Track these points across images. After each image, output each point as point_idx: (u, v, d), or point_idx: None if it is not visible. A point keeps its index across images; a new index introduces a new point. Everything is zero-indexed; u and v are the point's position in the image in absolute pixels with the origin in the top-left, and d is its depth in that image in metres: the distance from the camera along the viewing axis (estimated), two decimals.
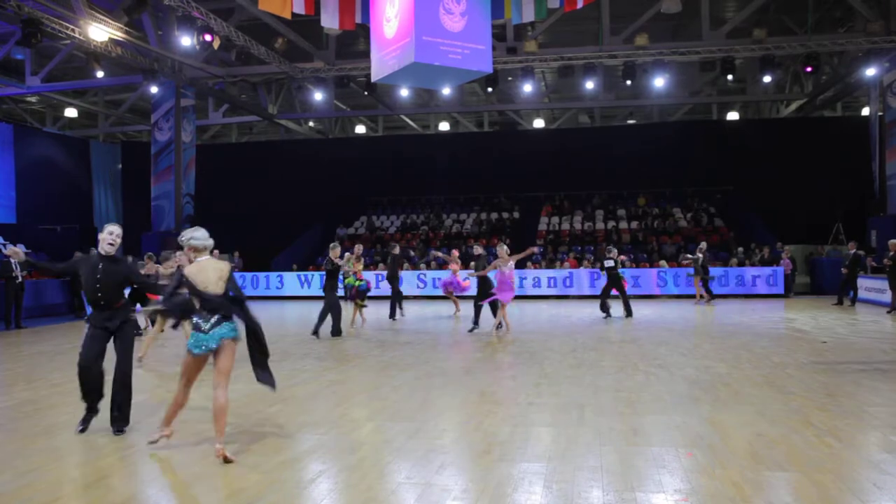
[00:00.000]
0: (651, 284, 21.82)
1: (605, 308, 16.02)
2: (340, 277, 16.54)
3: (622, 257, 17.97)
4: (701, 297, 19.52)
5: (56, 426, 6.37)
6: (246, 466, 5.11)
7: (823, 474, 4.76)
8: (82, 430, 6.03)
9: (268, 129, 33.23)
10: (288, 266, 25.79)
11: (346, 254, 16.91)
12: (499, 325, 13.27)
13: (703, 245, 19.88)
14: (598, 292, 17.05)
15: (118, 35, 18.83)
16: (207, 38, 17.43)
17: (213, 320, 5.38)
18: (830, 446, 5.44)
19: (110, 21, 18.61)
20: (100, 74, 20.99)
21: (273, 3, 12.01)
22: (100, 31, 18.22)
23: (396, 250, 16.96)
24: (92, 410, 6.11)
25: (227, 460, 5.13)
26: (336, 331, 13.03)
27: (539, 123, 32.75)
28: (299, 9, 12.08)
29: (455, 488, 4.62)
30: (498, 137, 32.54)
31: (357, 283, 14.33)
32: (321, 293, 21.00)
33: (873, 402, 7.02)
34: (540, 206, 29.21)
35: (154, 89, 22.83)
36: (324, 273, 13.68)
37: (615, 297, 16.19)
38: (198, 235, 5.67)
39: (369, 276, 19.22)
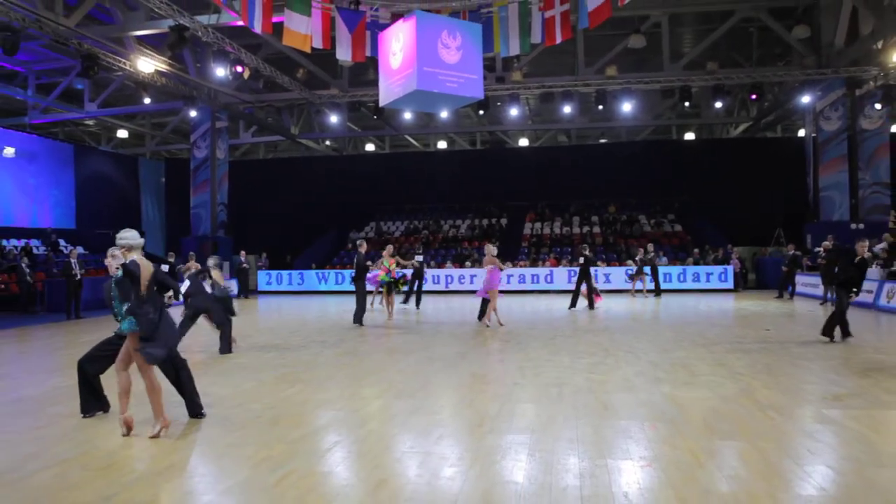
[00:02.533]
0: (620, 280, 21.78)
1: (575, 302, 15.94)
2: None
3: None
4: (643, 291, 19.54)
5: None
6: (272, 438, 5.10)
7: (766, 442, 4.78)
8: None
9: (290, 147, 33.15)
10: (307, 265, 25.73)
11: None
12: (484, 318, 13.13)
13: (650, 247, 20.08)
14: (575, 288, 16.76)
15: (162, 67, 18.83)
16: (239, 69, 17.41)
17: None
18: (772, 419, 5.44)
19: (156, 55, 18.61)
20: (147, 101, 21.01)
21: (295, 39, 12.04)
22: (147, 64, 18.23)
23: (417, 261, 17.24)
24: None
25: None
26: (356, 319, 12.98)
27: (524, 142, 32.75)
28: (318, 44, 12.11)
29: (451, 456, 4.61)
30: (488, 154, 32.50)
31: (389, 279, 13.66)
32: (337, 288, 21.02)
33: (808, 380, 7.04)
34: (524, 214, 29.17)
35: (193, 113, 22.79)
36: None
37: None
38: (128, 235, 5.15)
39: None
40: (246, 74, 18.13)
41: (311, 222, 29.23)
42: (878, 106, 19.61)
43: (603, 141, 32.89)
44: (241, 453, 4.74)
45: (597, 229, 27.05)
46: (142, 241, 5.24)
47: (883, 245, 17.60)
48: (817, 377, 7.19)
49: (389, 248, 14.18)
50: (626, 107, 20.64)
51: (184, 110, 22.94)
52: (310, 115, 27.70)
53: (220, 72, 17.43)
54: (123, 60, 17.72)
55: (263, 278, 24.98)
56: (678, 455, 4.53)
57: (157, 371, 5.43)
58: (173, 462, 4.64)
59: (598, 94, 20.28)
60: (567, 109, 21.07)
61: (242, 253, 20.43)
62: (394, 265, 13.68)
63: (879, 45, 18.08)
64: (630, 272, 20.06)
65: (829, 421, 5.37)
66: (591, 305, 15.75)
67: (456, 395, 6.66)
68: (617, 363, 8.21)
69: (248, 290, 22.91)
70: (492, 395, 6.55)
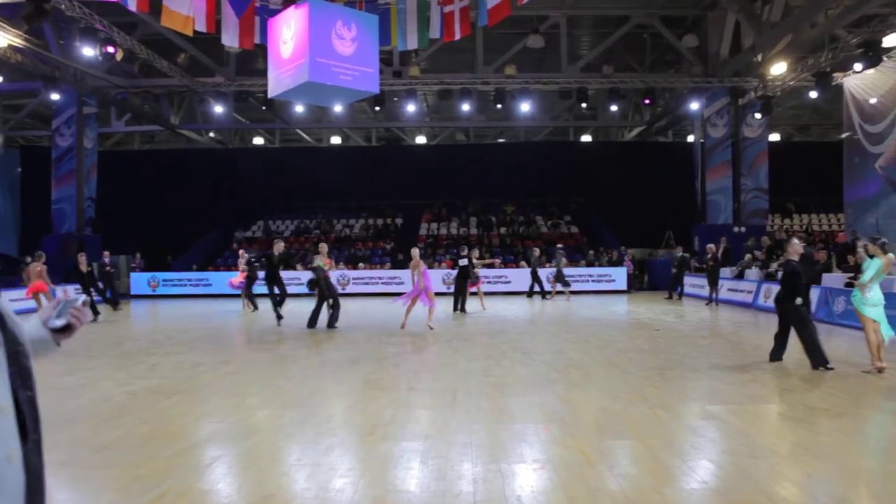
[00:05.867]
0: (518, 282, 22.36)
1: (460, 305, 15.94)
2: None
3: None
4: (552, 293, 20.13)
5: None
6: (144, 455, 4.84)
7: (654, 440, 5.08)
8: None
9: (170, 138, 31.57)
10: (188, 267, 24.61)
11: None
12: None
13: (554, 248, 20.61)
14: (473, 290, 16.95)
15: (17, 42, 17.29)
16: (110, 49, 16.33)
17: None
18: (659, 416, 5.80)
19: (9, 28, 17.10)
20: None
21: (175, 20, 11.48)
22: None
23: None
24: None
25: None
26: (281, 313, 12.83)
27: (421, 140, 33.00)
28: (201, 27, 11.60)
29: (341, 467, 4.57)
30: (384, 151, 32.48)
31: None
32: (225, 291, 20.27)
33: (694, 378, 7.55)
34: (421, 213, 29.37)
35: (55, 96, 21.06)
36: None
37: (473, 293, 16.42)
38: None
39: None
40: (119, 56, 17.06)
41: (193, 220, 27.95)
42: (757, 115, 21.31)
43: (501, 140, 33.69)
44: (106, 474, 4.46)
45: (494, 230, 27.67)
46: None
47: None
48: (702, 375, 7.73)
49: (323, 246, 13.77)
50: (525, 107, 21.20)
51: (43, 92, 21.21)
52: (192, 104, 26.46)
53: (88, 52, 16.28)
54: None
55: (137, 280, 23.65)
56: (570, 456, 4.73)
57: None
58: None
59: (497, 92, 20.74)
60: (465, 107, 21.37)
61: (106, 253, 19.14)
62: (329, 265, 13.31)
63: (759, 58, 19.68)
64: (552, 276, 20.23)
65: (711, 416, 5.79)
66: (477, 305, 16.07)
67: (347, 403, 6.60)
68: (512, 365, 8.44)
69: (116, 295, 21.55)
70: (385, 401, 6.54)
